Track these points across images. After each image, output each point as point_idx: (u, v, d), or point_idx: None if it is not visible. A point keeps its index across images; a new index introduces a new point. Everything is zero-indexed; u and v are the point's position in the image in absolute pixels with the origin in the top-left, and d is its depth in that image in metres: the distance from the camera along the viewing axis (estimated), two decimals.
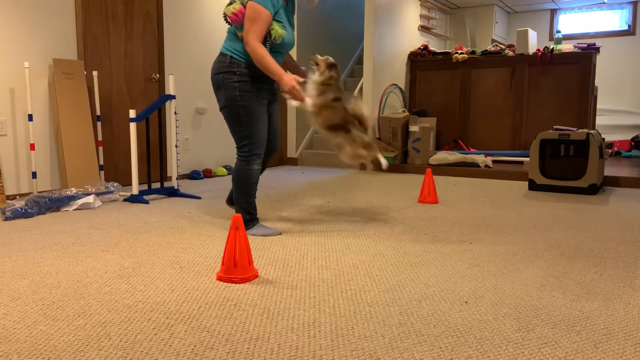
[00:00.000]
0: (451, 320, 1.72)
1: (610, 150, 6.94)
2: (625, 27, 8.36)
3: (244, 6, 2.65)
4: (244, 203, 2.84)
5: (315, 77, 2.84)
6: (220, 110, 2.81)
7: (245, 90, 2.71)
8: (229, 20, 2.71)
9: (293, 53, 6.61)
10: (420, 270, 2.26)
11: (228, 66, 2.71)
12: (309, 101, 2.73)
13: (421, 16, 7.21)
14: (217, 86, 2.77)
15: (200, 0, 5.40)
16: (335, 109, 2.84)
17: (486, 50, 6.42)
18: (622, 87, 8.26)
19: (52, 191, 3.74)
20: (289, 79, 2.66)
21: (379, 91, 6.24)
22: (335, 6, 7.31)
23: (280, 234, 2.89)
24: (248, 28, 2.61)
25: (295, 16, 2.90)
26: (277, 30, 2.69)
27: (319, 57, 2.88)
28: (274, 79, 2.70)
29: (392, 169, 5.87)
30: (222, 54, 2.77)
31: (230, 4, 2.73)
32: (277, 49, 2.76)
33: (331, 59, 2.86)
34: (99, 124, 4.44)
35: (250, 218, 2.86)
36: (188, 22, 5.30)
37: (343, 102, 2.90)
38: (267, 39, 2.70)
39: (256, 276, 2.16)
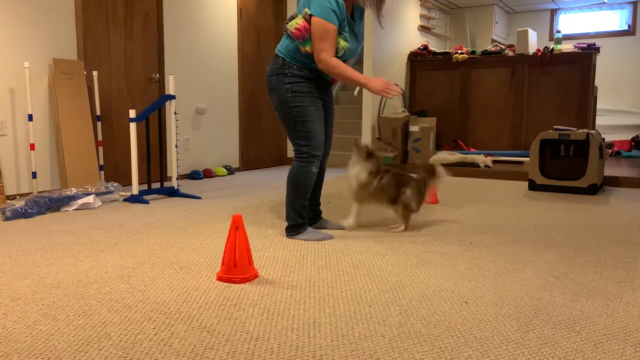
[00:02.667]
0: (451, 320, 1.72)
1: (610, 150, 6.94)
2: (625, 27, 8.36)
3: (307, 21, 2.59)
4: (298, 206, 2.77)
5: (359, 169, 2.92)
6: (278, 114, 2.78)
7: (297, 92, 2.67)
8: (291, 35, 2.64)
9: None
10: (420, 270, 2.26)
11: (280, 68, 2.69)
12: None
13: (421, 16, 7.21)
14: (270, 88, 2.74)
15: (200, 1, 5.40)
16: (385, 189, 2.91)
17: (486, 50, 6.42)
18: (622, 87, 8.27)
19: (52, 191, 3.74)
20: (376, 81, 2.63)
21: None
22: None
23: (332, 237, 2.83)
24: (319, 47, 2.58)
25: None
26: (340, 42, 2.65)
27: (358, 143, 2.97)
28: (361, 86, 2.68)
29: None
30: (275, 56, 2.74)
31: (292, 18, 2.67)
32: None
33: (370, 148, 2.95)
34: (99, 124, 4.44)
35: (302, 222, 2.80)
36: (188, 22, 5.30)
37: (386, 173, 2.94)
38: None
39: (256, 276, 2.16)
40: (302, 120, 2.69)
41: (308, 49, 2.63)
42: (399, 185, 2.91)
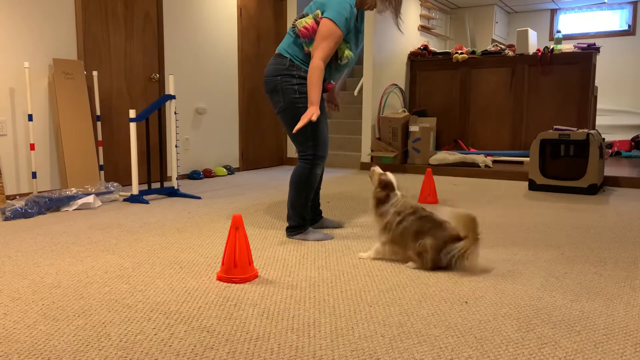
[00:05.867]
0: (451, 320, 1.72)
1: (610, 150, 6.94)
2: (625, 27, 8.36)
3: (317, 22, 2.61)
4: (300, 207, 2.76)
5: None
6: (278, 114, 2.75)
7: (304, 93, 2.64)
8: (298, 33, 2.65)
9: None
10: (420, 270, 2.26)
11: (287, 69, 2.66)
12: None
13: (421, 16, 7.21)
14: (274, 88, 2.70)
15: (200, 1, 5.40)
16: (404, 234, 2.30)
17: (486, 50, 6.42)
18: (622, 87, 8.26)
19: (52, 191, 3.74)
20: (313, 109, 2.53)
21: (379, 91, 6.24)
22: None
23: (332, 238, 2.81)
24: (317, 44, 2.57)
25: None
26: (345, 51, 2.67)
27: (375, 169, 2.50)
28: (309, 98, 2.58)
29: (392, 169, 5.87)
30: (280, 56, 2.70)
31: (302, 17, 2.67)
32: (340, 68, 2.76)
33: (387, 177, 2.42)
34: (99, 124, 4.44)
35: (303, 223, 2.79)
36: (188, 22, 5.30)
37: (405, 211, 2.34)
38: (332, 59, 2.68)
39: (256, 276, 2.15)
40: (308, 122, 2.66)
41: (311, 49, 2.62)
42: (419, 233, 2.26)
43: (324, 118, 2.81)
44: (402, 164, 5.94)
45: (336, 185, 4.87)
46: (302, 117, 2.54)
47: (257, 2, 6.15)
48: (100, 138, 4.44)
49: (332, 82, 2.79)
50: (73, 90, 4.20)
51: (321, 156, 2.74)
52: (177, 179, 4.26)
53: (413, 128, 5.89)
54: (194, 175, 5.30)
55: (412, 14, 6.95)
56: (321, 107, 2.82)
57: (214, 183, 5.03)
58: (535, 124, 6.12)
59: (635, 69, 8.21)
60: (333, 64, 2.71)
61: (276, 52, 2.75)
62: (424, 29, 7.26)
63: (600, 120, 7.50)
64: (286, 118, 2.72)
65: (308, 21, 2.62)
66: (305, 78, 2.65)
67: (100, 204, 3.77)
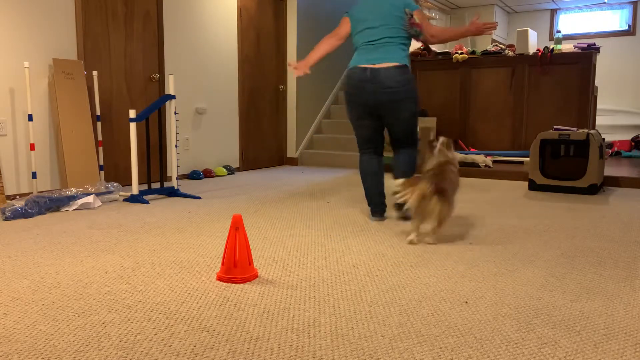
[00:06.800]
0: (451, 320, 1.72)
1: (610, 150, 6.94)
2: (625, 27, 8.36)
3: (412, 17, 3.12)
4: None
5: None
6: (405, 118, 3.09)
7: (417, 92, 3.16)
8: (416, 29, 3.08)
9: (293, 55, 6.61)
10: (420, 270, 2.26)
11: (411, 78, 3.06)
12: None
13: None
14: (407, 96, 3.04)
15: (200, 1, 5.40)
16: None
17: (486, 50, 6.42)
18: (622, 87, 8.27)
19: (52, 191, 3.74)
20: (473, 27, 3.03)
21: None
22: (336, 6, 7.31)
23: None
24: (427, 25, 3.09)
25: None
26: None
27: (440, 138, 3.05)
28: (467, 36, 3.11)
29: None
30: (403, 66, 3.05)
31: (400, 17, 3.09)
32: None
33: (441, 141, 3.02)
34: (99, 124, 4.44)
35: None
36: (188, 22, 5.30)
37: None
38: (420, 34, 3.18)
39: (256, 276, 2.16)
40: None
41: (425, 36, 3.09)
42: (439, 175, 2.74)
43: None
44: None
45: (336, 185, 4.87)
46: (482, 27, 3.02)
47: (257, 2, 6.15)
48: (100, 138, 4.45)
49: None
50: (73, 90, 4.20)
51: None
52: (177, 179, 4.26)
53: None
54: (194, 175, 5.30)
55: None
56: None
57: (214, 183, 5.03)
58: (535, 124, 6.12)
59: (635, 69, 8.22)
60: (421, 37, 3.15)
61: (392, 64, 3.03)
62: None
63: (600, 120, 7.50)
64: (409, 117, 3.09)
65: (416, 18, 3.09)
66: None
67: (100, 204, 3.77)
